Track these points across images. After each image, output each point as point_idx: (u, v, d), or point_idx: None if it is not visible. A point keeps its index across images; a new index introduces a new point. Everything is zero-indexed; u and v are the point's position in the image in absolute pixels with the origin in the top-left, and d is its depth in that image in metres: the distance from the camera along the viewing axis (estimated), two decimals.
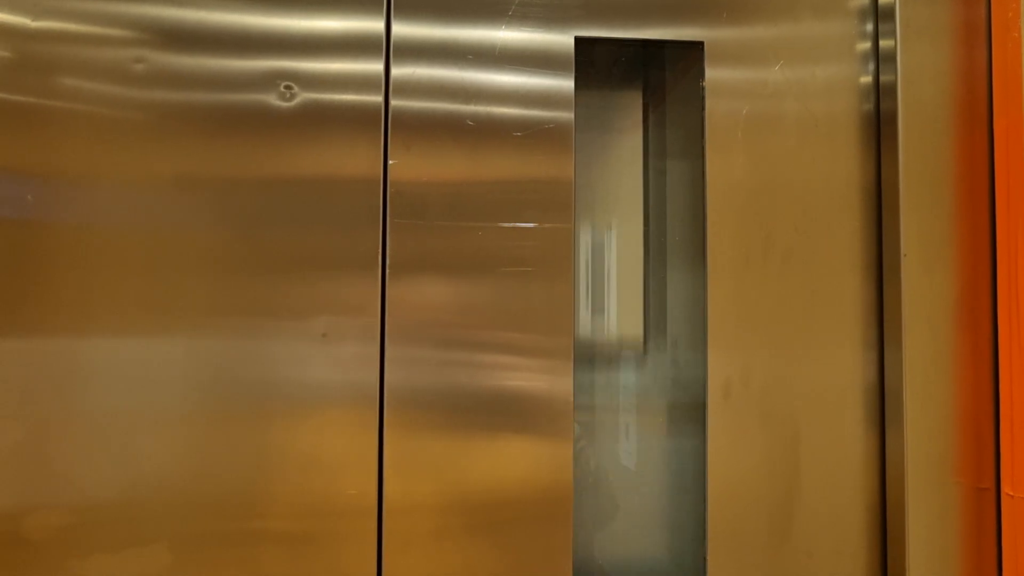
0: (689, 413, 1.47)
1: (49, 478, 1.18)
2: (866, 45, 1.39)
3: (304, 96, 1.25)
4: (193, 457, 1.21)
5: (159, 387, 1.20)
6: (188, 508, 1.20)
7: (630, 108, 1.57)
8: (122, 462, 1.19)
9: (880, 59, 1.38)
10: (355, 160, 1.25)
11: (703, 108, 1.34)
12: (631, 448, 1.53)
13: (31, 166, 1.20)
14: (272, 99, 1.24)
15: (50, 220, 1.19)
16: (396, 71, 1.27)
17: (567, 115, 1.29)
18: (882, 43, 1.37)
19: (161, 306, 1.21)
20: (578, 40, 1.30)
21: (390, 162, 1.25)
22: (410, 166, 1.26)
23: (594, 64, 1.49)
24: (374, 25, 1.27)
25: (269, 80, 1.24)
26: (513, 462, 1.26)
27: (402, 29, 1.27)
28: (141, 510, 1.19)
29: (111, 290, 1.20)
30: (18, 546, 1.18)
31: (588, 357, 1.54)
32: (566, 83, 1.29)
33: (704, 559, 1.32)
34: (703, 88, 1.34)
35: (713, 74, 1.34)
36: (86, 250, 1.20)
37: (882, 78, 1.37)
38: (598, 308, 1.56)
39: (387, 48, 1.27)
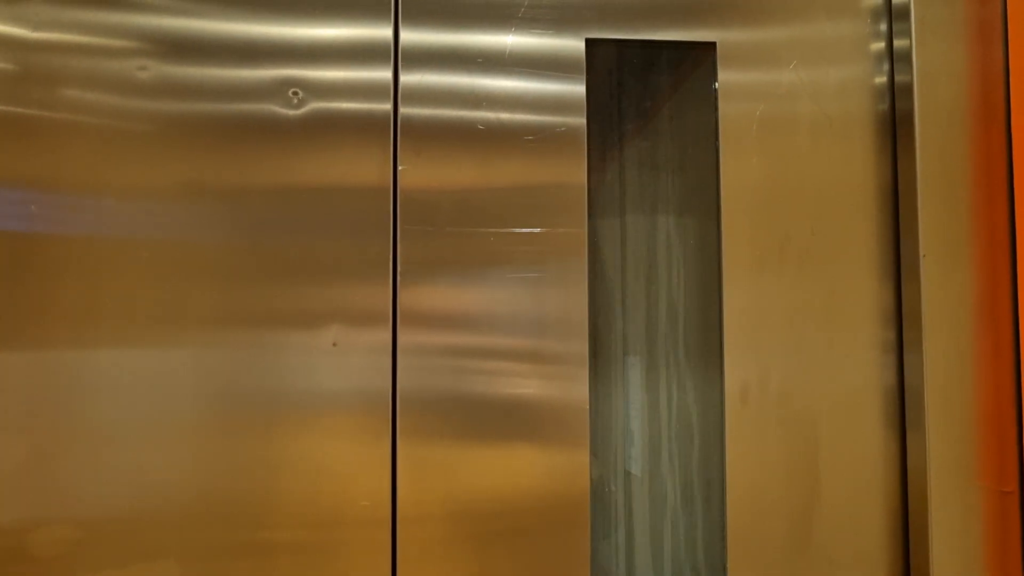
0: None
1: (56, 492, 1.17)
2: (880, 45, 1.37)
3: (313, 104, 1.24)
4: (203, 468, 1.19)
5: (168, 398, 1.19)
6: (199, 520, 1.19)
7: (639, 110, 1.57)
8: (131, 474, 1.18)
9: (895, 59, 1.36)
10: (365, 167, 1.24)
11: (716, 110, 1.33)
12: None
13: (38, 178, 1.19)
14: (280, 107, 1.23)
15: (57, 231, 1.19)
16: (405, 77, 1.26)
17: (579, 118, 1.28)
18: (897, 43, 1.36)
19: (170, 316, 1.20)
20: (589, 42, 1.29)
21: (400, 168, 1.24)
22: (420, 172, 1.25)
23: (602, 67, 1.48)
24: (382, 32, 1.26)
25: (277, 89, 1.24)
26: (528, 469, 1.25)
27: (410, 35, 1.27)
28: (151, 523, 1.18)
29: (119, 301, 1.19)
30: (24, 562, 1.17)
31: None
32: (578, 86, 1.28)
33: (724, 565, 1.30)
34: (716, 90, 1.33)
35: (726, 76, 1.33)
36: (94, 261, 1.19)
37: (897, 78, 1.36)
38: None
39: (395, 54, 1.26)
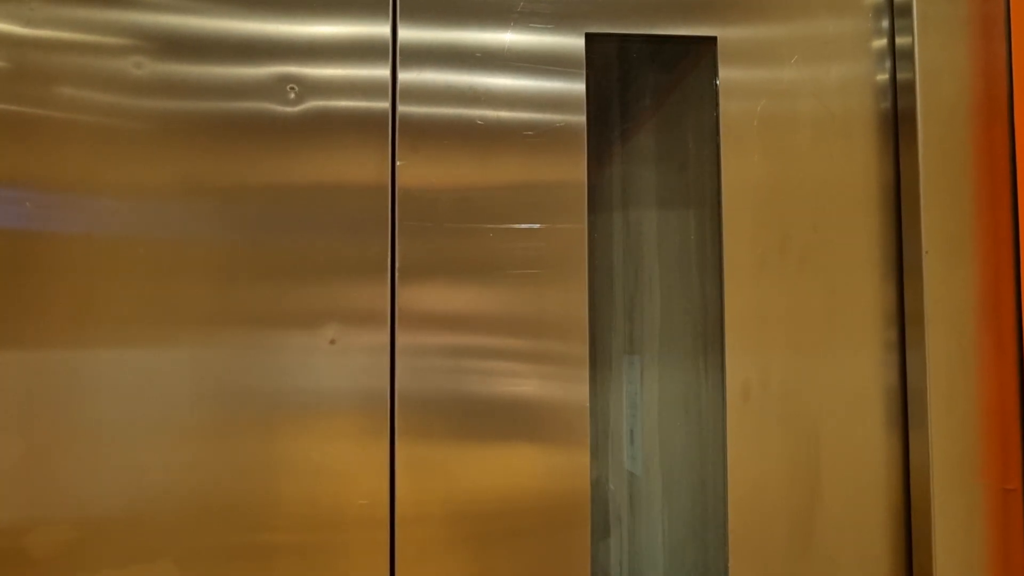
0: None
1: (52, 492, 1.16)
2: (882, 42, 1.37)
3: (310, 102, 1.23)
4: (200, 469, 1.18)
5: (165, 398, 1.18)
6: (196, 521, 1.18)
7: (639, 106, 1.56)
8: (128, 475, 1.17)
9: (897, 56, 1.36)
10: (363, 164, 1.24)
11: (717, 106, 1.32)
12: None
13: (33, 176, 1.18)
14: (278, 105, 1.23)
15: (52, 229, 1.18)
16: (403, 75, 1.25)
17: (579, 114, 1.27)
18: (899, 40, 1.35)
19: (167, 315, 1.19)
20: (588, 37, 1.28)
21: (398, 165, 1.23)
22: (419, 169, 1.24)
23: (601, 63, 1.47)
24: (380, 29, 1.26)
25: (275, 86, 1.23)
26: (528, 470, 1.24)
27: (408, 33, 1.26)
28: (148, 524, 1.17)
29: (116, 300, 1.18)
30: (21, 563, 1.16)
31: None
32: (577, 82, 1.27)
33: (726, 565, 1.29)
34: (717, 86, 1.32)
35: (727, 72, 1.32)
36: (90, 260, 1.18)
37: (899, 75, 1.35)
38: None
39: (394, 52, 1.26)
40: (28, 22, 1.19)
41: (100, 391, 1.18)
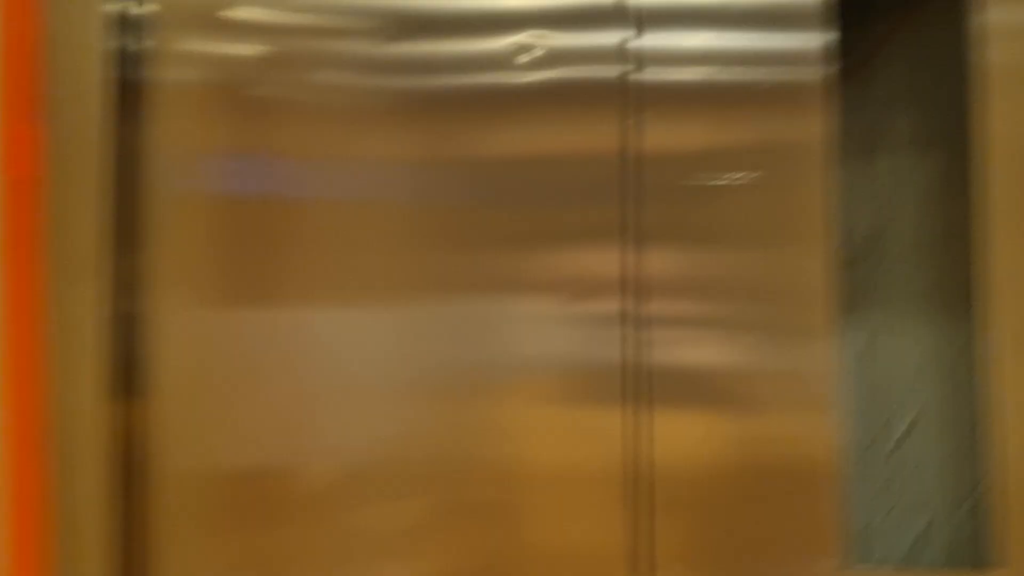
0: None
1: (312, 440, 1.26)
2: None
3: (546, 71, 1.25)
4: (445, 427, 1.24)
5: (411, 359, 1.25)
6: (441, 475, 1.24)
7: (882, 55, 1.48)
8: (383, 427, 1.25)
9: None
10: (599, 132, 1.24)
11: (975, 49, 1.22)
12: None
13: (286, 149, 1.28)
14: (514, 75, 1.25)
15: (307, 196, 1.27)
16: (636, 40, 1.24)
17: (817, 66, 1.21)
18: None
19: (406, 281, 1.25)
20: None
21: (633, 128, 1.23)
22: (654, 133, 1.23)
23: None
24: None
25: (510, 56, 1.25)
26: (772, 434, 1.21)
27: None
28: (399, 471, 1.25)
29: (364, 263, 1.26)
30: (285, 501, 1.26)
31: None
32: (815, 33, 1.22)
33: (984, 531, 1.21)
34: (973, 27, 1.22)
35: (987, 12, 1.21)
36: (340, 226, 1.26)
37: None
38: None
39: (627, 17, 1.25)
40: (281, 9, 1.28)
41: (352, 349, 1.26)
